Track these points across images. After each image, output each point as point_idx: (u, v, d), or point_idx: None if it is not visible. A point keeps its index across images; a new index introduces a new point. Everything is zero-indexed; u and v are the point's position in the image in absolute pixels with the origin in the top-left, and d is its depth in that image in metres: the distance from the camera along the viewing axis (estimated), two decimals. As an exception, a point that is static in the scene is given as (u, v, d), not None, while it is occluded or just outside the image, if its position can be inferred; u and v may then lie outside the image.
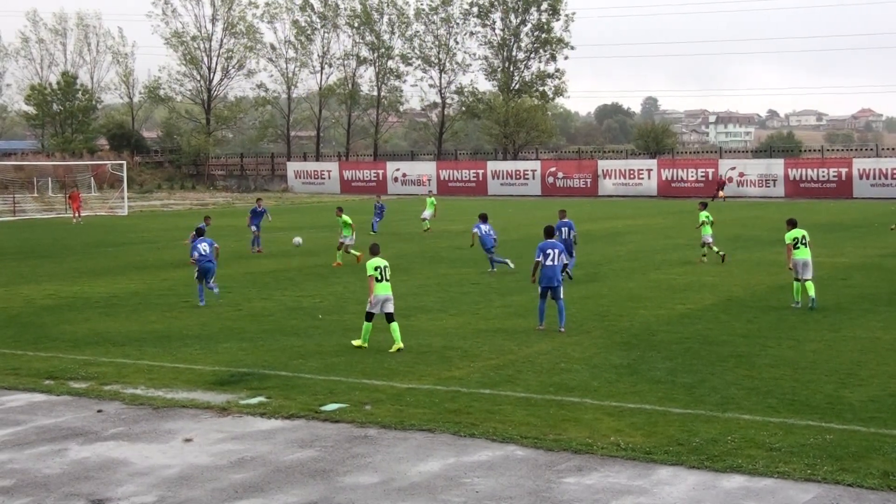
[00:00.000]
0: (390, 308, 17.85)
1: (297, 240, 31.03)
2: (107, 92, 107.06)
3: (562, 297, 19.68)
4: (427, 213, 45.12)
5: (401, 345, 17.57)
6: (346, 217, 32.02)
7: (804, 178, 70.38)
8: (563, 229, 27.30)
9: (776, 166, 72.75)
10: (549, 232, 20.61)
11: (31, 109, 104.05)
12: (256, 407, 14.01)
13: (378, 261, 17.83)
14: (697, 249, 32.48)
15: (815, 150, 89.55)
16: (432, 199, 47.01)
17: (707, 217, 31.04)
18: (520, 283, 25.28)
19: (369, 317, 17.86)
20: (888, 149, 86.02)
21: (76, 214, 53.82)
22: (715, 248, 30.95)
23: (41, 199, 71.70)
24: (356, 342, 18.00)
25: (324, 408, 13.82)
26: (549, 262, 19.36)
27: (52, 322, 21.49)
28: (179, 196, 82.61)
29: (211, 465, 11.53)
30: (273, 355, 17.44)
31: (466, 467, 11.28)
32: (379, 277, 17.72)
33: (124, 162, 71.55)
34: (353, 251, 31.29)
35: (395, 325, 17.77)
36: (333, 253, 31.79)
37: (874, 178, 68.17)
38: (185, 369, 16.50)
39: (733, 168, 73.42)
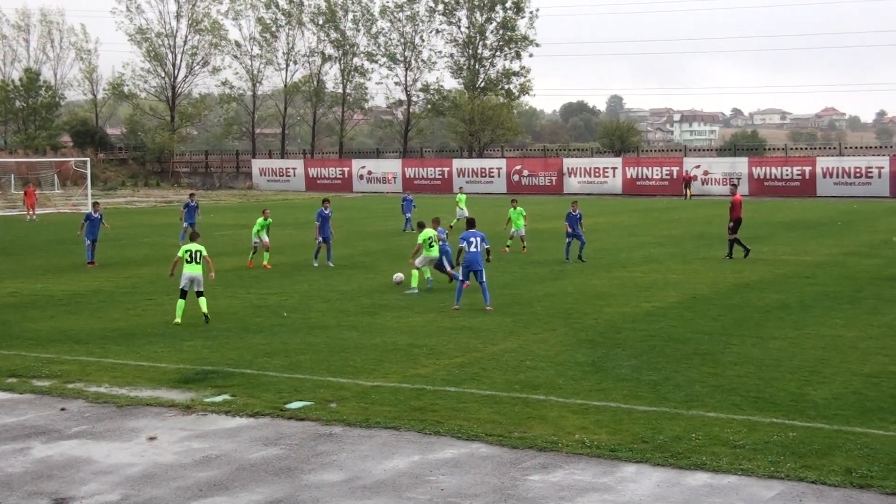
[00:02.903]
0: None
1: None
2: (70, 89, 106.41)
3: (484, 279, 22.04)
4: (461, 211, 43.16)
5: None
6: (270, 220, 31.34)
7: (768, 177, 71.02)
8: (573, 220, 30.73)
9: (740, 164, 73.34)
10: (471, 223, 23.36)
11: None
12: (221, 405, 13.95)
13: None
14: (661, 248, 32.74)
15: (779, 149, 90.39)
16: (464, 195, 45.76)
17: (521, 213, 33.83)
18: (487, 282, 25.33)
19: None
20: (851, 147, 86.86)
21: (30, 211, 53.34)
22: (524, 243, 33.90)
23: (3, 196, 71.05)
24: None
25: (289, 406, 13.79)
26: (471, 249, 21.95)
27: (14, 320, 21.31)
28: (144, 193, 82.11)
29: (175, 464, 11.47)
30: (238, 353, 17.38)
31: (432, 465, 11.29)
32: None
33: (88, 159, 70.90)
34: (262, 253, 30.31)
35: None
36: (296, 251, 31.72)
37: (837, 177, 68.88)
38: (149, 367, 16.41)
39: (697, 166, 73.97)
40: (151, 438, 12.50)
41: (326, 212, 30.51)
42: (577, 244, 30.79)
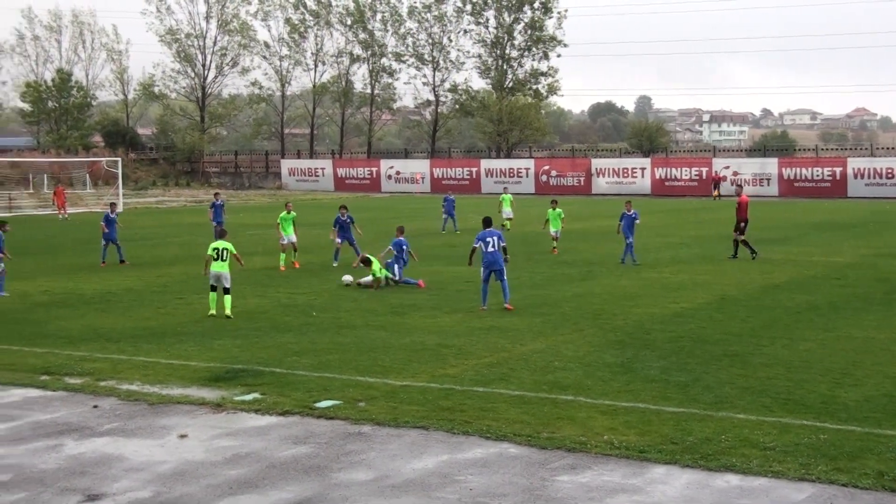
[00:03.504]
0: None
1: (347, 277, 28.03)
2: (102, 89, 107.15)
3: (505, 277, 21.75)
4: (507, 210, 43.64)
5: None
6: (294, 213, 30.99)
7: (798, 178, 70.47)
8: (628, 220, 30.09)
9: (770, 165, 72.81)
10: (488, 222, 22.56)
11: (26, 106, 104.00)
12: (251, 403, 14.01)
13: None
14: (689, 249, 32.62)
15: (809, 150, 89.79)
16: (509, 196, 45.52)
17: (558, 215, 33.91)
18: (514, 283, 25.29)
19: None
20: (883, 148, 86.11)
21: (62, 211, 53.77)
22: (554, 243, 33.61)
23: (36, 195, 71.59)
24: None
25: (318, 404, 13.82)
26: (489, 249, 21.56)
27: (47, 318, 21.47)
28: (174, 193, 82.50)
29: (206, 461, 11.53)
30: (267, 352, 17.44)
31: (460, 465, 11.29)
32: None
33: (119, 159, 71.49)
34: (290, 252, 30.16)
35: None
36: (325, 251, 31.72)
37: (869, 178, 68.25)
38: (179, 366, 16.50)
39: (727, 167, 73.48)
40: (182, 436, 12.56)
41: (343, 218, 30.57)
42: (625, 246, 30.15)
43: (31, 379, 15.73)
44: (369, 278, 25.68)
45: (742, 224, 31.72)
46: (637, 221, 30.34)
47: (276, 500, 10.24)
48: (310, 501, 10.20)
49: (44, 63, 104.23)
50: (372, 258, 25.89)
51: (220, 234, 22.76)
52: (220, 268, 21.22)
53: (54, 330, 20.02)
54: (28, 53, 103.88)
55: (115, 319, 21.28)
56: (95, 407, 14.10)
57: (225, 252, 21.38)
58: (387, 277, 25.87)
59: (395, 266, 26.13)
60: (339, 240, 30.46)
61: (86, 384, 15.36)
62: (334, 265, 30.00)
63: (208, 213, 37.69)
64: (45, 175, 76.81)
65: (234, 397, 14.33)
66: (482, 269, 21.87)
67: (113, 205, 33.98)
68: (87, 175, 79.10)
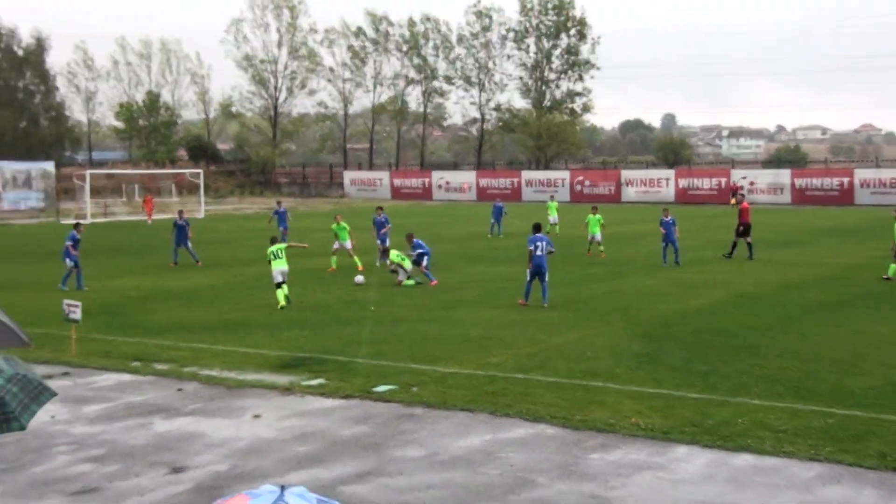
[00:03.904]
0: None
1: (359, 278, 26.77)
2: (186, 109, 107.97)
3: (546, 280, 21.60)
4: (553, 217, 42.85)
5: None
6: (344, 223, 30.27)
7: (809, 187, 69.53)
8: (668, 225, 29.61)
9: (784, 176, 71.93)
10: (537, 228, 22.53)
11: (120, 124, 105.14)
12: (316, 388, 14.10)
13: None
14: (709, 251, 32.32)
15: (819, 162, 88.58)
16: (555, 203, 45.10)
17: (598, 220, 33.20)
18: (550, 281, 25.24)
19: None
20: (887, 160, 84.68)
21: (149, 217, 54.38)
22: (600, 246, 33.01)
23: (128, 203, 72.47)
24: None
25: (376, 389, 13.89)
26: (538, 253, 21.40)
27: (137, 312, 21.74)
28: (249, 201, 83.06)
29: (276, 439, 11.62)
30: (331, 342, 17.55)
31: (502, 443, 11.29)
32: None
33: (201, 171, 72.11)
34: (344, 256, 29.59)
35: None
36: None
37: (874, 187, 67.21)
38: (254, 354, 16.64)
39: (744, 177, 72.64)
40: (256, 416, 12.67)
41: (380, 218, 30.62)
42: (672, 249, 29.68)
43: (125, 365, 15.95)
44: (394, 265, 26.27)
45: (741, 227, 31.77)
46: (675, 227, 29.81)
47: (339, 473, 10.31)
48: (368, 475, 10.25)
49: (135, 86, 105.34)
50: (391, 251, 26.77)
51: (272, 241, 23.67)
52: (280, 265, 22.19)
53: (144, 322, 20.26)
54: (122, 77, 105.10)
55: (197, 313, 21.50)
56: (180, 390, 14.27)
57: (280, 252, 22.43)
58: (401, 264, 26.07)
59: (423, 261, 26.17)
60: (379, 242, 30.53)
61: (171, 370, 15.55)
62: (377, 265, 29.98)
63: (270, 218, 37.91)
64: (137, 185, 77.71)
65: (301, 382, 14.44)
66: (529, 270, 21.68)
67: (181, 212, 33.99)
68: (173, 185, 79.91)
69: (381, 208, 31.76)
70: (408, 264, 26.05)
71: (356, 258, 29.28)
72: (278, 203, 40.89)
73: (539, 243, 21.58)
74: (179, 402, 13.51)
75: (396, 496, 9.62)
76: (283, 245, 23.37)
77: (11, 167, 68.88)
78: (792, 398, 13.11)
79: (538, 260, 21.45)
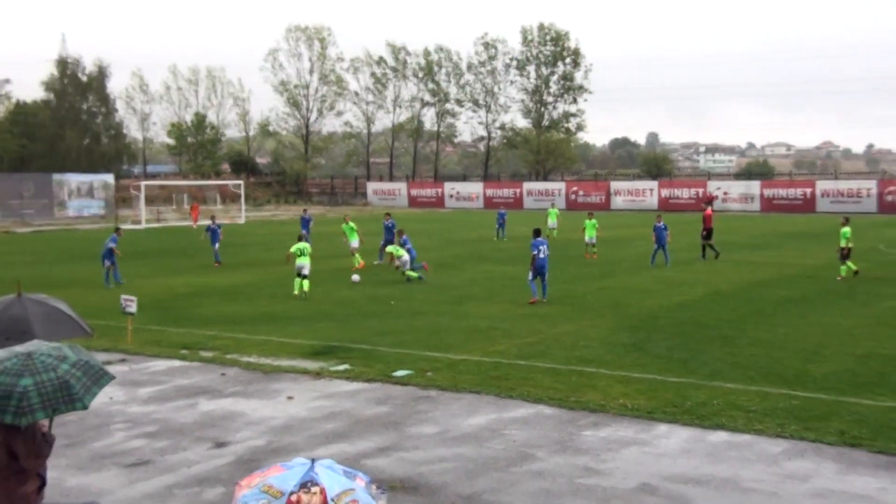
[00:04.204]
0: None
1: (356, 277, 26.27)
2: (229, 128, 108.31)
3: (546, 278, 21.36)
4: (552, 222, 42.75)
5: None
6: (352, 223, 30.12)
7: (776, 197, 69.27)
8: (659, 230, 29.40)
9: (754, 187, 71.68)
10: (538, 233, 22.27)
11: (171, 141, 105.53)
12: (343, 372, 14.09)
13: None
14: (689, 253, 32.20)
15: (785, 175, 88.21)
16: (555, 209, 44.82)
17: (593, 224, 32.92)
18: (550, 278, 25.16)
19: None
20: (845, 173, 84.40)
21: (195, 222, 54.54)
22: (593, 248, 32.59)
23: (178, 210, 72.68)
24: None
25: (395, 374, 13.87)
26: (541, 255, 21.14)
27: (186, 305, 21.78)
28: (284, 208, 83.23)
29: (308, 418, 11.61)
30: (356, 333, 17.54)
31: (506, 422, 11.26)
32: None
33: (242, 182, 72.22)
34: (356, 256, 29.17)
35: None
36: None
37: (833, 197, 66.96)
38: (288, 343, 16.65)
39: (719, 188, 72.43)
40: (290, 398, 12.67)
41: (387, 223, 30.56)
42: (662, 252, 29.36)
43: (174, 352, 15.97)
44: (397, 262, 26.34)
45: (705, 232, 32.07)
46: (666, 231, 29.52)
47: (362, 448, 10.29)
48: (388, 449, 10.23)
49: (185, 108, 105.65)
50: (392, 249, 26.72)
51: (300, 238, 24.96)
52: (303, 260, 23.16)
53: (192, 314, 20.30)
54: (173, 100, 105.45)
55: (239, 307, 21.53)
56: (223, 374, 14.27)
57: (305, 250, 23.45)
58: (398, 255, 26.12)
59: (409, 255, 26.41)
60: (383, 242, 30.44)
61: (215, 357, 15.56)
62: (375, 263, 29.85)
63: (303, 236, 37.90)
64: (185, 195, 77.96)
65: (329, 368, 14.43)
66: (532, 270, 21.31)
67: (213, 217, 34.21)
68: (218, 195, 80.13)
69: (388, 214, 31.78)
70: (402, 253, 26.02)
71: (357, 256, 29.14)
72: (304, 210, 41.78)
73: (542, 247, 21.36)
74: (222, 385, 13.51)
75: (413, 468, 9.60)
76: (307, 245, 23.94)
77: (76, 179, 69.20)
78: (762, 382, 13.04)
79: (542, 262, 21.22)
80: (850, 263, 25.33)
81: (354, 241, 29.81)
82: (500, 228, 42.65)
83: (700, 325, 18.04)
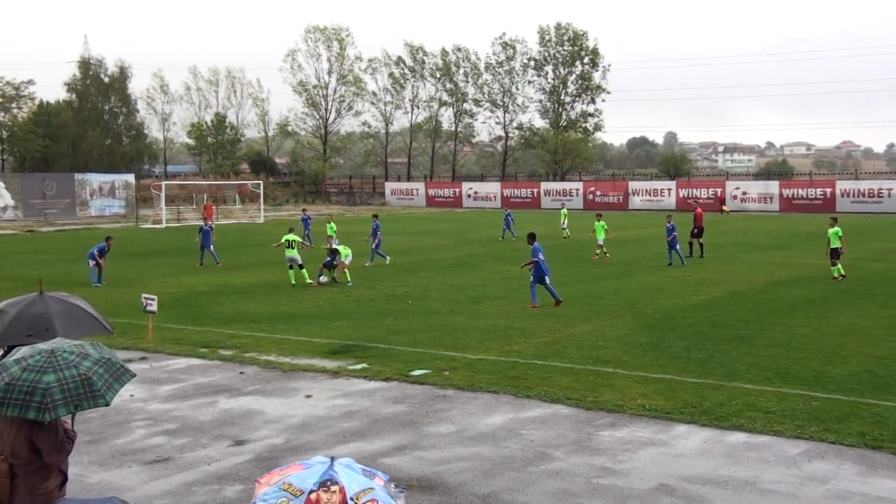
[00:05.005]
0: None
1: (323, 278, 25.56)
2: (248, 128, 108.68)
3: (549, 281, 20.82)
4: (564, 223, 42.77)
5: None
6: (333, 224, 30.54)
7: (796, 197, 68.83)
8: (669, 228, 29.31)
9: (773, 187, 71.23)
10: (534, 237, 21.61)
11: (191, 142, 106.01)
12: (360, 371, 14.11)
13: None
14: (706, 252, 32.06)
15: (804, 174, 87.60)
16: (565, 210, 44.70)
17: (602, 226, 32.26)
18: (565, 279, 25.12)
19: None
20: (865, 173, 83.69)
21: (208, 221, 54.60)
22: (603, 249, 31.88)
23: (198, 210, 72.97)
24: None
25: (412, 373, 13.88)
26: (542, 259, 20.83)
27: (206, 304, 21.87)
28: (302, 208, 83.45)
29: (325, 416, 11.64)
30: (374, 332, 17.56)
31: (523, 421, 11.24)
32: None
33: (261, 182, 72.49)
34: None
35: None
36: (419, 253, 31.80)
37: (854, 197, 66.47)
38: (306, 341, 16.69)
39: (738, 188, 72.04)
40: (308, 396, 12.70)
41: (375, 224, 30.57)
42: (674, 254, 29.41)
43: (194, 350, 16.04)
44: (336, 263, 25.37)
45: (695, 230, 32.23)
46: (674, 232, 29.53)
47: (380, 447, 10.31)
48: (405, 448, 10.24)
49: (204, 108, 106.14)
50: (339, 247, 25.54)
51: (291, 230, 25.85)
52: (291, 253, 24.50)
53: (211, 313, 20.38)
54: (193, 101, 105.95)
55: (257, 305, 21.60)
56: (242, 373, 14.32)
57: (293, 242, 24.76)
58: (338, 252, 25.21)
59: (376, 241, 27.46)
60: (374, 244, 30.26)
61: (234, 355, 15.62)
62: (367, 265, 29.76)
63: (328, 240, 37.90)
64: (205, 194, 78.27)
65: (347, 366, 14.45)
66: (534, 275, 20.84)
67: (206, 218, 34.34)
68: (237, 194, 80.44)
69: (376, 216, 31.89)
70: (347, 252, 25.32)
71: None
72: (304, 210, 42.66)
73: (541, 252, 20.96)
74: (241, 384, 13.56)
75: (430, 467, 9.60)
76: (296, 237, 25.22)
77: (98, 179, 69.68)
78: (780, 383, 12.96)
79: (546, 265, 20.90)
80: (840, 266, 25.01)
81: (334, 241, 29.90)
82: (506, 229, 42.81)
83: (717, 325, 17.95)
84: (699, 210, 33.59)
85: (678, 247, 29.49)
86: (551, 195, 79.33)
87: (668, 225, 29.70)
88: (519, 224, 43.94)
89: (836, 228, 25.39)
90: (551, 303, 20.84)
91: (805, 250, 35.34)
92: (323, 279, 25.23)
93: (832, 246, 25.22)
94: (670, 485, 9.01)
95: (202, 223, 32.53)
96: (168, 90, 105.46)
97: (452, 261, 31.02)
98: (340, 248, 25.49)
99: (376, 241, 30.50)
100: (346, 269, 25.49)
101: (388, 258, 30.50)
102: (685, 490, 8.87)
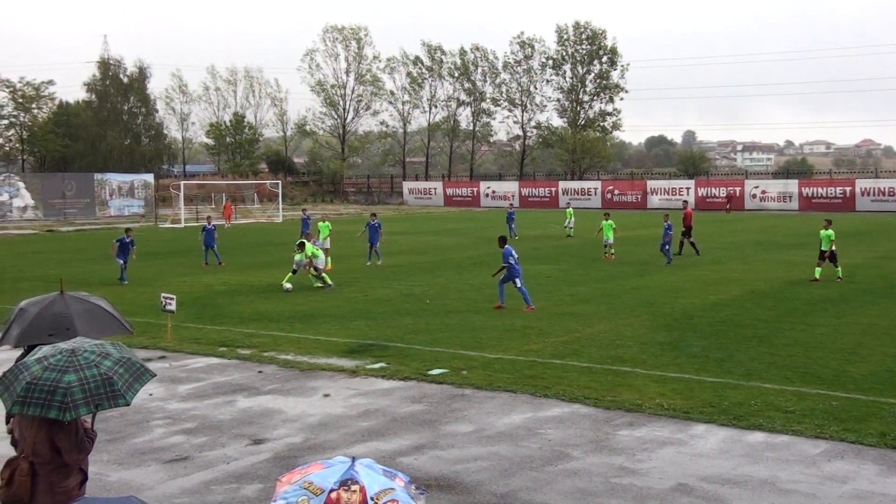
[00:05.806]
0: None
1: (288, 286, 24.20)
2: (266, 128, 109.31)
3: (521, 284, 20.19)
4: (569, 221, 42.95)
5: None
6: (328, 223, 30.96)
7: (815, 195, 68.37)
8: (666, 228, 29.87)
9: (792, 185, 70.82)
10: (505, 240, 21.00)
11: (209, 141, 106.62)
12: (378, 370, 14.13)
13: None
14: (725, 251, 31.86)
15: (824, 173, 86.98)
16: (571, 209, 44.83)
17: (610, 225, 31.90)
18: (583, 279, 25.06)
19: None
20: (885, 171, 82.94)
21: (227, 221, 54.90)
22: (611, 249, 31.79)
23: (217, 209, 73.32)
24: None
25: (430, 372, 13.88)
26: (515, 261, 20.17)
27: (224, 303, 21.95)
28: (321, 208, 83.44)
29: (343, 415, 11.66)
30: (391, 331, 17.58)
31: (541, 421, 11.23)
32: None
33: (279, 181, 72.77)
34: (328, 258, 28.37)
35: None
36: (436, 252, 31.81)
37: (874, 195, 65.98)
38: (324, 341, 16.73)
39: (756, 187, 71.66)
40: (326, 395, 12.73)
41: (373, 223, 30.51)
42: (665, 252, 29.72)
43: (213, 350, 16.11)
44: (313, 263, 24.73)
45: (685, 229, 32.66)
46: (670, 232, 29.81)
47: (398, 446, 10.32)
48: (423, 447, 10.25)
49: (223, 108, 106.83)
50: (306, 242, 25.08)
51: (302, 246, 24.52)
52: (298, 256, 24.33)
53: (230, 312, 20.46)
54: (211, 101, 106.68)
55: (276, 305, 21.66)
56: (260, 372, 14.38)
57: (303, 245, 24.43)
58: (315, 258, 24.73)
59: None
60: (369, 244, 30.31)
61: (253, 354, 15.67)
62: (367, 264, 29.73)
63: (363, 231, 37.68)
64: (224, 194, 78.65)
65: (365, 366, 14.48)
66: (505, 276, 20.39)
67: (209, 217, 34.26)
68: (255, 194, 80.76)
69: (374, 215, 31.82)
70: (319, 254, 24.96)
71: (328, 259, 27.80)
72: (303, 210, 41.95)
73: (512, 256, 20.22)
74: (259, 383, 13.61)
75: (448, 466, 9.61)
76: (306, 242, 24.95)
77: (117, 178, 70.20)
78: (799, 382, 12.88)
79: (519, 267, 20.32)
80: (819, 269, 24.73)
81: (326, 241, 29.96)
82: (510, 226, 42.88)
83: (736, 324, 17.85)
84: (689, 210, 34.18)
85: (668, 247, 29.62)
86: (569, 194, 79.16)
87: (665, 224, 29.89)
88: (532, 223, 43.86)
89: (830, 231, 25.05)
90: (522, 305, 20.24)
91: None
92: (287, 286, 24.06)
93: (822, 248, 24.94)
94: (689, 484, 8.98)
95: (206, 223, 32.44)
96: (187, 90, 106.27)
97: (470, 260, 31.00)
98: (311, 247, 24.78)
99: (378, 240, 30.40)
100: (320, 272, 24.72)
101: (375, 263, 30.14)
102: (704, 490, 8.84)
